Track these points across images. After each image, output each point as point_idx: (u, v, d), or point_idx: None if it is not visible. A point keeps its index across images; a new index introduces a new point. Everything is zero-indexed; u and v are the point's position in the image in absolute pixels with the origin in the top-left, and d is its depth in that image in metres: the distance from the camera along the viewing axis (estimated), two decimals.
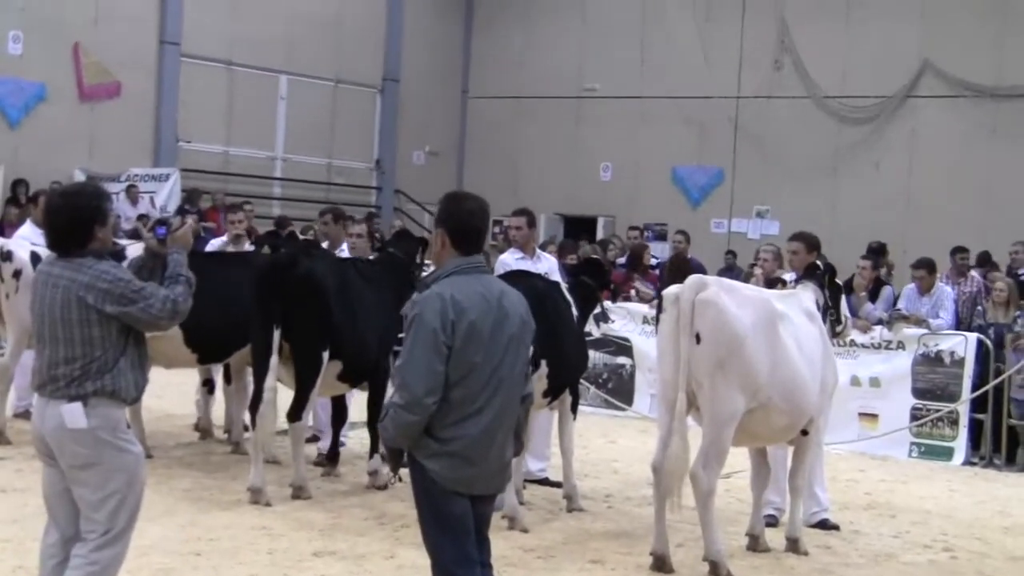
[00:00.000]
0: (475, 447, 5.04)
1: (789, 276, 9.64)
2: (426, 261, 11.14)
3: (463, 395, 5.00)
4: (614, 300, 15.50)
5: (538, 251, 10.95)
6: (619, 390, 15.74)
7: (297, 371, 9.74)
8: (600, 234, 26.28)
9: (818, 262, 9.42)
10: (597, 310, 10.77)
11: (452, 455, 5.02)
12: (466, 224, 5.14)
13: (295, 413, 9.73)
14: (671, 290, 8.30)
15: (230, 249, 12.06)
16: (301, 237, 12.89)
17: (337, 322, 9.80)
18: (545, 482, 10.60)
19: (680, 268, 14.85)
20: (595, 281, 10.30)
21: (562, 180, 28.50)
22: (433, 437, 5.02)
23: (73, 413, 5.27)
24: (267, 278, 9.73)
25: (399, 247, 10.97)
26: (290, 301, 9.56)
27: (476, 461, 5.05)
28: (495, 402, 5.05)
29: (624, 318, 15.64)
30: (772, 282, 9.57)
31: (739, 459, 9.68)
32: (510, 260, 10.48)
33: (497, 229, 21.33)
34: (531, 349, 5.27)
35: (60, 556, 5.41)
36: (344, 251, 11.48)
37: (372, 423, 10.27)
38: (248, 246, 12.16)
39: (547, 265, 10.61)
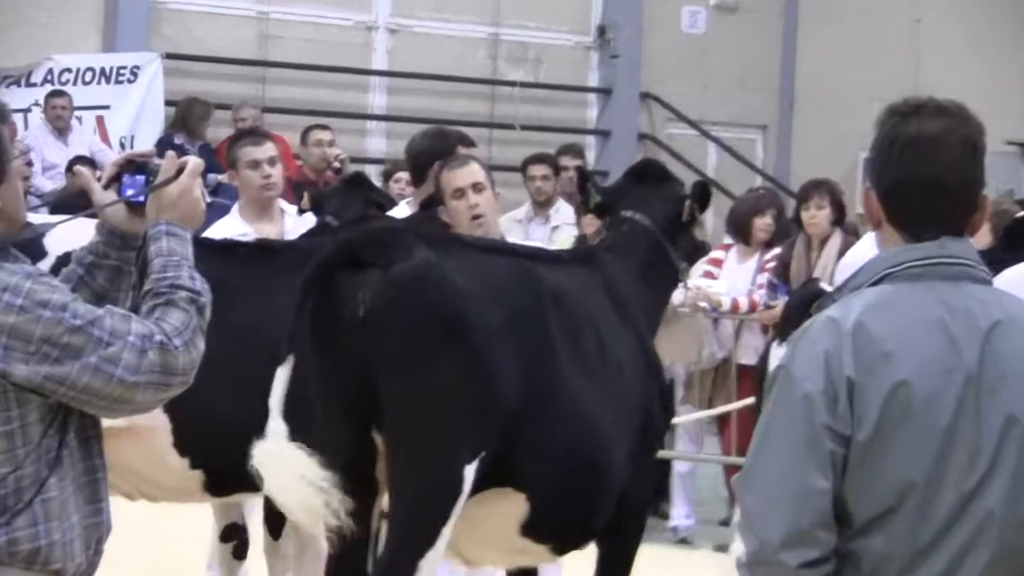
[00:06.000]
0: None
1: None
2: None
3: (888, 551, 4.23)
4: None
5: None
6: None
7: (394, 503, 8.17)
8: None
9: None
10: None
11: None
12: (915, 176, 4.38)
13: None
14: None
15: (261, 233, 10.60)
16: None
17: (501, 395, 8.06)
18: None
19: None
20: None
21: (1018, 76, 25.11)
22: None
23: None
24: (327, 301, 8.24)
25: (652, 210, 9.39)
26: (381, 351, 8.03)
27: None
28: (970, 567, 4.17)
29: None
30: None
31: None
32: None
33: None
34: None
35: None
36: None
37: None
38: (291, 223, 10.74)
39: None
